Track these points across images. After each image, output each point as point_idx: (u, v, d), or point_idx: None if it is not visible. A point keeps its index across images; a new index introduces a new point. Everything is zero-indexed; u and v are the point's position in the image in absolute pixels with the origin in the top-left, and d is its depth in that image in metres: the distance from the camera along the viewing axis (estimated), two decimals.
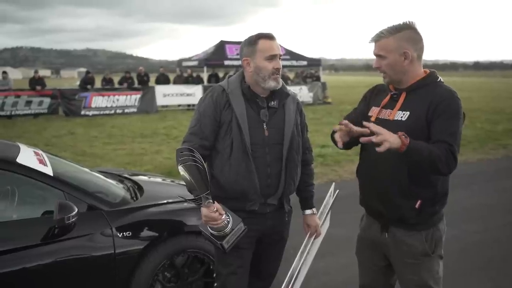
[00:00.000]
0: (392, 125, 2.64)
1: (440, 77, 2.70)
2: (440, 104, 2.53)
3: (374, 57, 2.77)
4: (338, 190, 3.36)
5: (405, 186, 2.62)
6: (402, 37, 2.60)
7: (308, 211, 3.18)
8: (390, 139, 2.37)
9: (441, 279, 2.79)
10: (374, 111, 2.81)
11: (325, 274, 4.67)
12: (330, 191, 3.35)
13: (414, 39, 2.62)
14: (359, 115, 2.91)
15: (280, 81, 2.88)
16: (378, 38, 2.66)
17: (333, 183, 3.49)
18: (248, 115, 2.84)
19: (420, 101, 2.60)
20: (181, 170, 2.50)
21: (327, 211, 3.30)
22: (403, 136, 2.40)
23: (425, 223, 2.69)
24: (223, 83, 2.96)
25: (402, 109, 2.67)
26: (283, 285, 2.96)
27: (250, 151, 2.79)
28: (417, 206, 2.63)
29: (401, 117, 2.64)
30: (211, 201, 2.52)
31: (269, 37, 2.86)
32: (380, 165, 2.73)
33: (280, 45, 2.93)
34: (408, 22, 2.63)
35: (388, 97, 2.77)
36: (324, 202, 3.33)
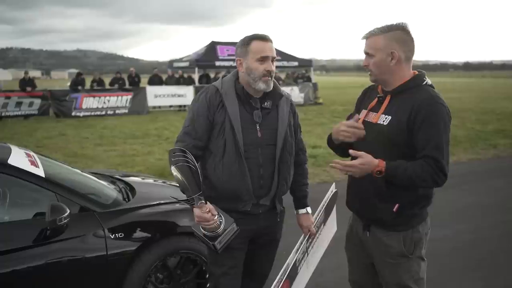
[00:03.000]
0: (374, 129, 2.69)
1: (427, 80, 2.68)
2: (420, 111, 2.52)
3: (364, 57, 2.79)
4: (335, 190, 3.37)
5: (383, 188, 2.64)
6: (392, 37, 2.60)
7: (301, 211, 3.18)
8: (357, 171, 2.56)
9: (424, 280, 2.79)
10: (362, 114, 2.83)
11: (319, 275, 4.65)
12: (330, 190, 3.35)
13: (403, 40, 2.61)
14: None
15: (271, 83, 2.86)
16: (368, 35, 2.67)
17: (334, 183, 3.48)
18: (241, 115, 2.83)
19: (402, 106, 2.60)
20: (174, 170, 2.52)
21: (322, 209, 3.30)
22: (381, 168, 2.51)
23: (404, 224, 2.69)
24: (217, 83, 2.94)
25: (385, 112, 2.68)
26: (274, 283, 2.96)
27: (243, 152, 2.79)
28: (394, 209, 2.64)
29: (383, 121, 2.66)
30: (203, 201, 2.53)
31: (263, 38, 2.84)
32: None
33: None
34: (400, 23, 2.62)
35: (375, 100, 2.79)
36: (322, 202, 3.34)
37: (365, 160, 2.53)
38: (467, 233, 5.92)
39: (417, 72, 2.71)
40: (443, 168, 2.50)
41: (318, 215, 3.27)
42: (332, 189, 3.35)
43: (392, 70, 2.63)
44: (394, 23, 2.64)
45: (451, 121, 2.64)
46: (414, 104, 2.54)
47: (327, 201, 3.34)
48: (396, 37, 2.60)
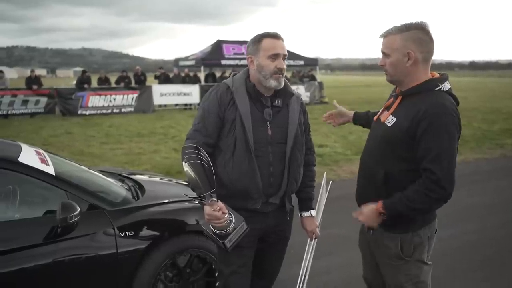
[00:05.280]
0: (381, 128, 2.70)
1: (442, 86, 2.56)
2: (423, 120, 2.45)
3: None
4: (331, 182, 3.37)
5: (380, 188, 2.63)
6: (409, 37, 2.51)
7: (305, 213, 3.17)
8: (366, 221, 2.67)
9: (426, 283, 2.75)
10: (379, 112, 2.84)
11: (325, 273, 4.68)
12: (323, 182, 3.34)
13: (421, 40, 2.52)
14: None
15: (282, 81, 2.86)
16: (386, 34, 2.60)
17: (325, 173, 3.48)
18: (252, 113, 2.83)
19: (408, 110, 2.54)
20: (186, 167, 2.49)
21: (323, 205, 3.30)
22: (380, 210, 2.57)
23: (402, 227, 2.66)
24: (228, 81, 2.94)
25: (393, 113, 2.65)
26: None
27: (253, 149, 2.79)
28: None
29: (389, 122, 2.64)
30: (215, 199, 2.52)
31: (274, 36, 2.84)
32: (363, 164, 2.82)
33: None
34: (419, 22, 2.54)
35: (391, 99, 2.77)
36: (319, 195, 3.33)
37: (365, 213, 2.64)
38: (472, 233, 5.92)
39: (437, 75, 2.62)
40: (438, 180, 2.42)
41: (321, 216, 3.27)
42: (323, 183, 3.33)
43: (408, 71, 2.56)
44: (413, 22, 2.56)
45: (461, 127, 2.55)
46: (419, 110, 2.47)
47: (326, 197, 3.33)
48: (414, 37, 2.51)
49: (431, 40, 2.55)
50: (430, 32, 2.55)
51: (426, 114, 2.45)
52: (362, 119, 3.26)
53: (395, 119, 2.60)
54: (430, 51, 2.57)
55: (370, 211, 2.60)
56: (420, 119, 2.46)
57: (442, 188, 2.43)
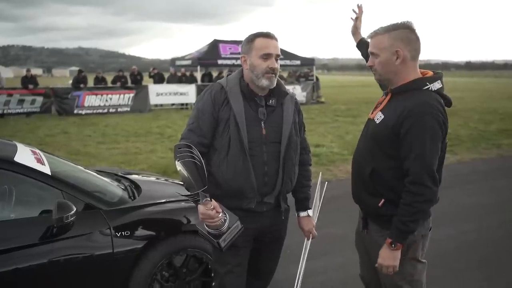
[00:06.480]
0: (370, 125, 2.74)
1: (430, 85, 2.57)
2: (408, 118, 2.48)
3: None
4: (326, 183, 3.35)
5: (368, 184, 2.67)
6: (396, 36, 2.56)
7: (302, 213, 3.17)
8: (383, 263, 2.63)
9: (420, 282, 2.76)
10: (371, 111, 2.85)
11: (322, 273, 4.67)
12: (318, 182, 3.34)
13: (408, 39, 2.57)
14: None
15: (274, 81, 2.86)
16: (373, 35, 2.65)
17: (320, 173, 3.48)
18: (246, 113, 2.83)
19: (395, 108, 2.57)
20: (179, 166, 2.50)
21: (319, 205, 3.29)
22: (389, 244, 2.59)
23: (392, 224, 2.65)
24: (222, 81, 2.95)
25: (382, 110, 2.68)
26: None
27: (248, 149, 2.79)
28: (380, 204, 2.65)
29: (377, 119, 2.66)
30: (208, 198, 2.52)
31: (267, 36, 2.85)
32: (354, 163, 2.85)
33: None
34: (405, 22, 2.59)
35: (383, 97, 2.79)
36: (315, 195, 3.32)
37: (381, 257, 2.64)
38: (470, 233, 5.92)
39: (430, 73, 2.66)
40: (420, 178, 2.47)
41: (317, 216, 3.26)
42: (319, 183, 3.32)
43: (397, 69, 2.59)
44: (399, 22, 2.61)
45: (446, 126, 2.55)
46: (404, 109, 2.50)
47: (322, 198, 3.32)
48: (401, 36, 2.56)
49: (417, 39, 2.60)
50: (416, 31, 2.60)
51: (410, 113, 2.49)
52: (362, 48, 3.30)
53: (383, 116, 2.64)
54: (417, 50, 2.61)
55: (383, 252, 2.63)
56: (404, 118, 2.50)
57: (426, 187, 2.48)
